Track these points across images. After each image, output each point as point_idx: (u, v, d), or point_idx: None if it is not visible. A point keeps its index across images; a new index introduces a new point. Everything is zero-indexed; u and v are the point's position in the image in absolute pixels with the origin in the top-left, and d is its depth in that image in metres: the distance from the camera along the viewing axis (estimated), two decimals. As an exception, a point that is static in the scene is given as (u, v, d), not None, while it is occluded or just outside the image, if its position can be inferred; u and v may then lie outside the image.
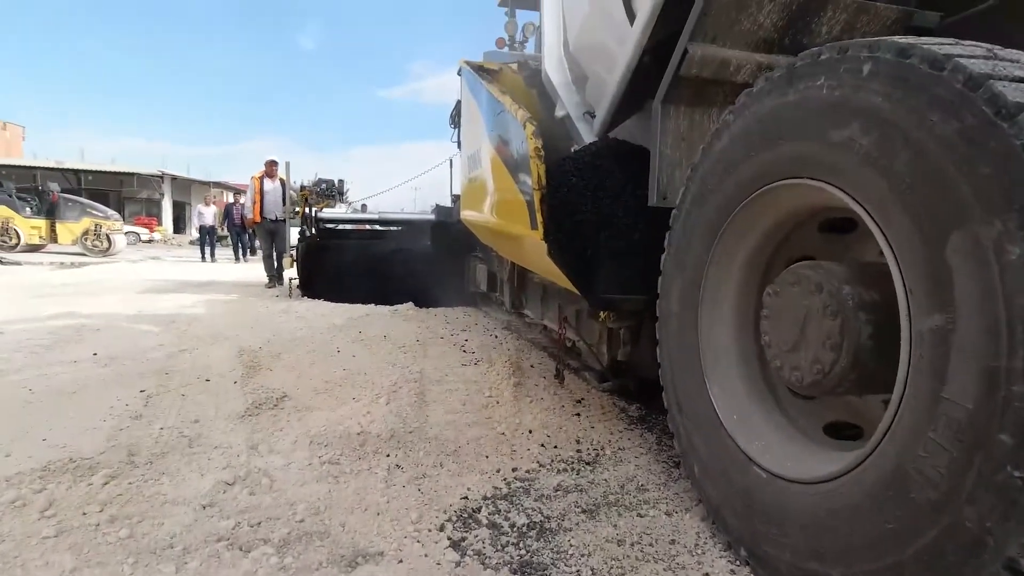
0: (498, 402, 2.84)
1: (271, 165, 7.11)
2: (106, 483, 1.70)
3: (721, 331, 1.39)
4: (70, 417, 2.29)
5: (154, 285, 7.54)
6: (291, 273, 6.64)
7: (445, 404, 2.78)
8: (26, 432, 2.12)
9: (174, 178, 28.30)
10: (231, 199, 15.71)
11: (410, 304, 5.71)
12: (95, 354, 3.38)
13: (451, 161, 7.09)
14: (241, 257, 14.29)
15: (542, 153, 1.85)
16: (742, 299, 1.39)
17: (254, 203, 7.28)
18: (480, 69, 2.83)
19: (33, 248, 14.53)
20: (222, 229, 16.84)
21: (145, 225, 26.69)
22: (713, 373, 1.39)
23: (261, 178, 7.31)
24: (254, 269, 9.14)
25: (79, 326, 4.23)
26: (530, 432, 2.44)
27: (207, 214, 14.94)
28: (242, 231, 14.33)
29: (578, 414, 2.71)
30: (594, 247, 1.83)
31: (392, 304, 5.90)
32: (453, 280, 6.12)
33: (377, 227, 7.39)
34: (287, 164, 6.47)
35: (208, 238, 14.63)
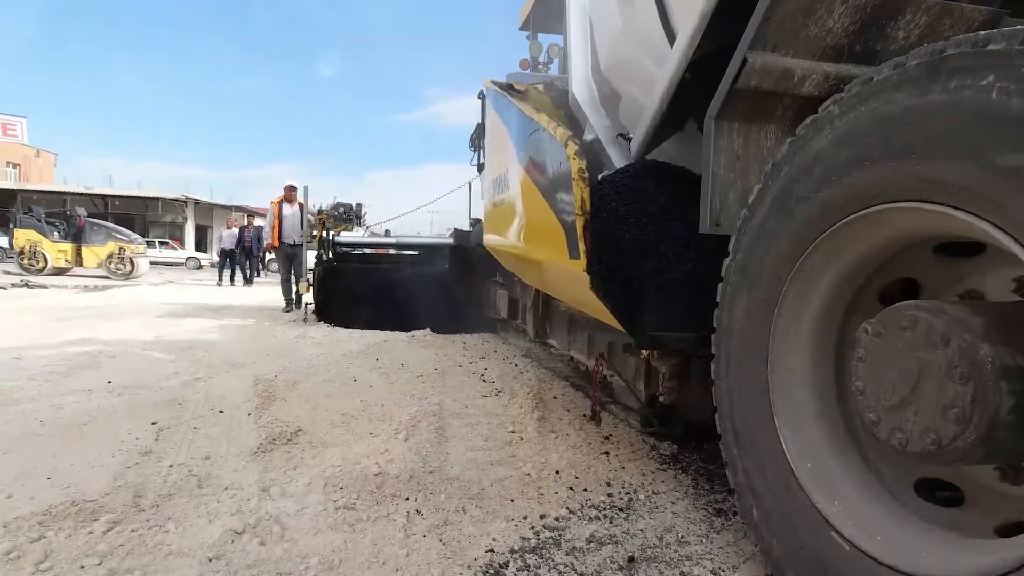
0: (522, 438, 2.69)
1: (290, 190, 7.14)
2: (108, 530, 1.59)
3: (797, 360, 1.21)
4: (78, 453, 2.20)
5: (173, 309, 7.56)
6: (307, 298, 6.60)
7: (466, 440, 2.64)
8: (32, 469, 2.03)
9: (197, 202, 28.91)
10: (245, 222, 15.68)
11: (427, 331, 5.61)
12: (110, 382, 3.31)
13: (470, 185, 7.08)
14: (244, 281, 14.14)
15: (587, 175, 1.69)
16: (825, 326, 1.21)
17: (273, 228, 7.30)
18: (509, 88, 2.75)
19: (59, 271, 14.81)
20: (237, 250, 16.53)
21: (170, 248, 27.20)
22: (784, 408, 1.21)
23: (280, 203, 7.35)
24: (265, 292, 9.12)
25: (96, 352, 4.19)
26: (557, 473, 2.29)
27: (228, 237, 14.57)
28: (250, 254, 14.32)
29: (606, 452, 2.55)
30: (641, 279, 1.68)
31: (409, 330, 5.81)
32: (471, 306, 6.02)
33: (394, 251, 7.35)
34: (305, 188, 6.48)
35: (228, 261, 14.47)
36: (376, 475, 2.05)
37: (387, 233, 12.00)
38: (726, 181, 1.35)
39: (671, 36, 1.72)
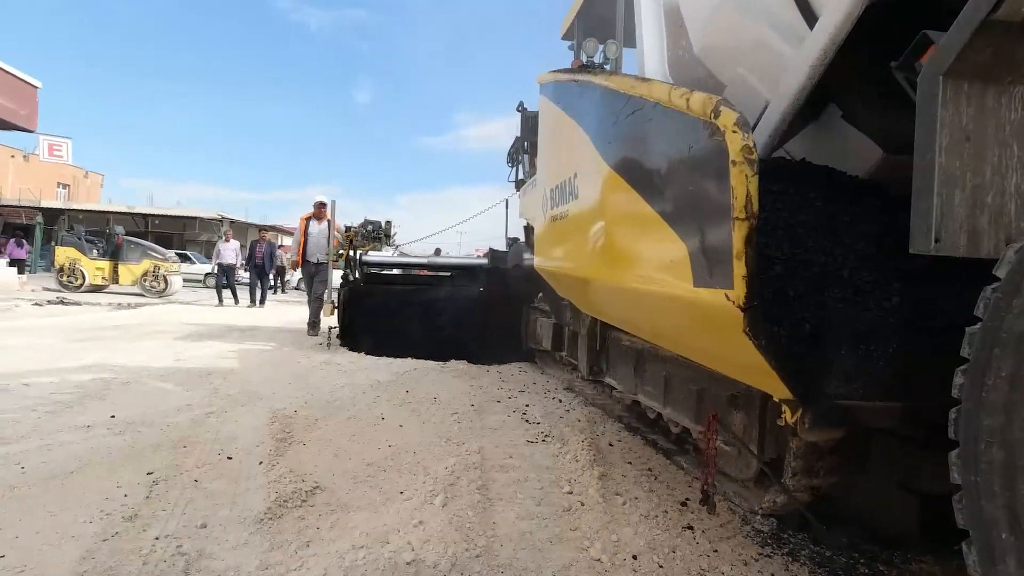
0: (582, 503, 2.21)
1: (319, 207, 6.86)
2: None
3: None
4: (51, 514, 1.82)
5: (198, 330, 7.33)
6: (332, 320, 6.23)
7: (515, 504, 2.18)
8: (-9, 538, 1.65)
9: (232, 221, 29.43)
10: (262, 236, 13.52)
11: (462, 362, 5.20)
12: (113, 416, 2.97)
13: (507, 202, 6.72)
14: (257, 302, 12.28)
15: (754, 156, 1.07)
16: None
17: (298, 244, 7.03)
18: (585, 68, 2.32)
19: (96, 288, 14.98)
20: (243, 269, 14.07)
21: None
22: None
23: (308, 219, 7.10)
24: (288, 312, 8.77)
25: (108, 380, 3.89)
26: (635, 559, 1.81)
27: (226, 251, 12.72)
28: (263, 273, 12.55)
29: (690, 528, 2.05)
30: (822, 320, 1.16)
31: (439, 357, 5.39)
32: (507, 333, 5.58)
33: (425, 272, 6.99)
34: (332, 203, 6.15)
35: (227, 279, 12.71)
36: (409, 564, 1.60)
37: (437, 252, 11.63)
38: (951, 174, 0.88)
39: (806, 11, 1.28)
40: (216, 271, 12.84)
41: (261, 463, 2.40)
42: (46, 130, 28.40)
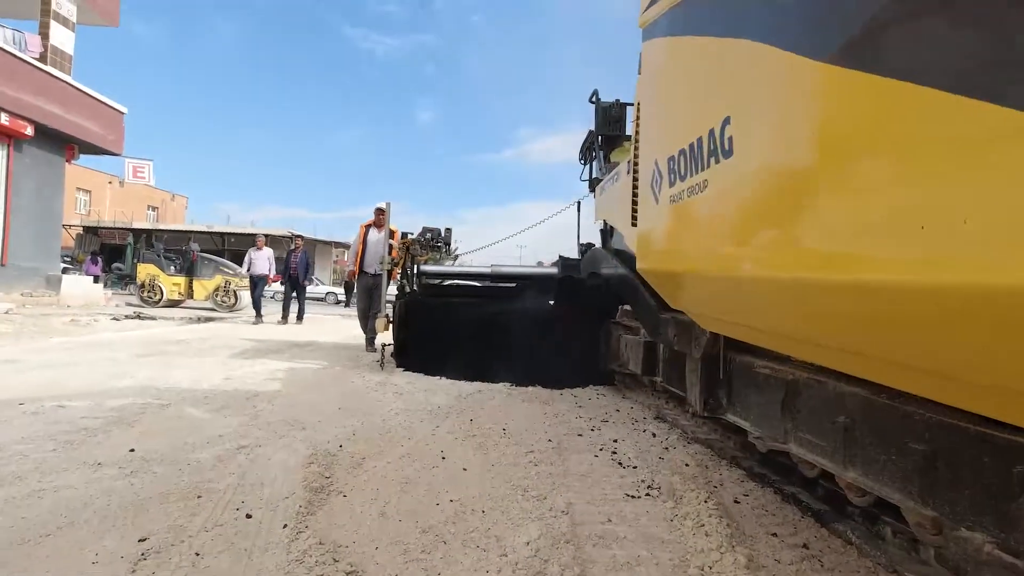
0: (732, 613, 1.50)
1: (379, 213, 6.44)
2: None
3: None
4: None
5: (256, 346, 7.10)
6: (386, 337, 5.73)
7: (632, 612, 1.49)
8: None
9: (301, 238, 30.45)
10: (293, 245, 11.70)
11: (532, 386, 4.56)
12: (132, 451, 2.53)
13: (579, 204, 6.05)
14: (287, 318, 11.07)
15: None
16: None
17: (356, 255, 6.60)
18: None
19: (173, 304, 15.58)
20: (275, 281, 12.60)
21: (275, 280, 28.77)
22: None
23: (368, 227, 6.68)
24: (339, 328, 8.32)
25: (145, 404, 3.52)
26: None
27: (258, 260, 11.28)
28: (298, 285, 11.18)
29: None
30: None
31: (504, 378, 4.76)
32: (582, 351, 4.87)
33: (488, 283, 6.39)
34: (388, 205, 5.56)
35: (258, 291, 11.44)
36: None
37: (538, 263, 10.87)
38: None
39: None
40: (249, 284, 11.64)
41: (286, 526, 1.83)
42: (133, 154, 30.63)
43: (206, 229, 29.88)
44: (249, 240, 31.66)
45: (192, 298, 15.53)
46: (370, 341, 6.54)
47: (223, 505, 1.98)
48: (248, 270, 11.56)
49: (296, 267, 11.13)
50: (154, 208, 39.80)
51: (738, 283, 1.44)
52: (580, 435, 3.28)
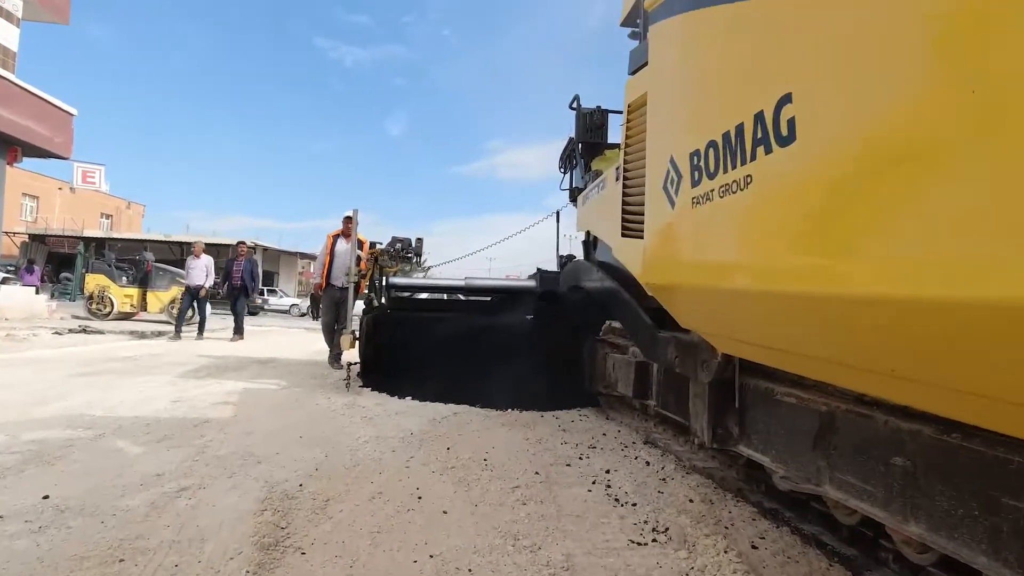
0: None
1: (346, 222, 6.02)
2: None
3: None
4: None
5: (213, 363, 6.60)
6: (352, 354, 5.33)
7: None
8: None
9: (265, 249, 29.56)
10: (240, 250, 10.07)
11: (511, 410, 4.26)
12: (46, 498, 2.13)
13: (558, 214, 5.83)
14: (236, 334, 9.74)
15: None
16: None
17: (323, 266, 6.18)
18: None
19: (125, 316, 14.70)
20: (221, 290, 11.03)
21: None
22: None
23: (335, 236, 6.26)
24: (302, 343, 7.77)
25: (73, 436, 3.09)
26: None
27: (195, 269, 9.96)
28: (243, 295, 9.85)
29: None
30: None
31: (479, 399, 4.45)
32: (563, 371, 4.61)
33: (461, 297, 6.08)
34: (355, 212, 5.06)
35: (196, 303, 10.09)
36: None
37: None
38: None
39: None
40: (184, 294, 10.25)
41: (228, 599, 1.50)
42: (97, 161, 29.19)
43: (163, 238, 28.66)
44: (211, 251, 30.51)
45: (146, 311, 14.68)
46: (335, 357, 6.15)
47: (151, 571, 1.62)
48: (186, 281, 10.26)
49: (239, 276, 9.83)
50: (108, 216, 38.08)
51: (784, 300, 1.20)
52: (568, 465, 3.01)
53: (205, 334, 9.91)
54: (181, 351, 7.80)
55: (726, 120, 1.34)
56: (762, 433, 1.88)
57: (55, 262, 28.81)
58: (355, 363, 5.10)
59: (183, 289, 14.22)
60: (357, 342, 4.91)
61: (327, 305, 6.23)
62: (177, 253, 28.35)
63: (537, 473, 2.80)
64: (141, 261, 14.93)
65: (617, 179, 3.16)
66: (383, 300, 5.24)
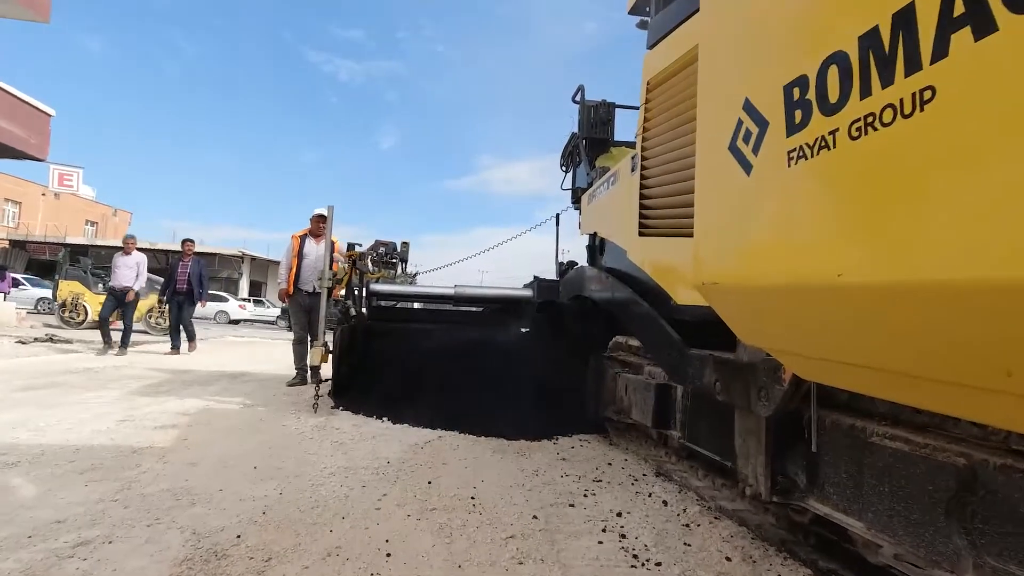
0: None
1: (318, 222, 5.39)
2: None
3: None
4: None
5: (178, 377, 6.06)
6: (326, 369, 4.81)
7: None
8: None
9: (253, 258, 29.01)
10: (186, 249, 8.68)
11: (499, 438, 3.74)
12: None
13: (557, 217, 5.39)
14: (178, 346, 8.50)
15: None
16: None
17: (290, 269, 5.52)
18: None
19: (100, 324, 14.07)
20: (163, 296, 8.90)
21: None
22: None
23: (303, 237, 5.62)
24: (278, 356, 7.12)
25: (-25, 462, 2.56)
26: None
27: (122, 268, 8.19)
28: (189, 303, 8.48)
29: None
30: None
31: (467, 422, 3.94)
32: (562, 390, 4.12)
33: (450, 306, 5.59)
34: (330, 208, 4.32)
35: (120, 308, 8.30)
36: None
37: None
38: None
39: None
40: (107, 296, 8.45)
41: None
42: (79, 165, 28.51)
43: (148, 246, 28.01)
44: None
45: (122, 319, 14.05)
46: (300, 373, 5.60)
47: None
48: (111, 282, 8.36)
49: (185, 280, 8.41)
50: (93, 223, 37.35)
51: (974, 297, 0.74)
52: (572, 505, 2.52)
53: (129, 348, 8.24)
54: (148, 362, 7.24)
55: (877, 9, 0.87)
56: (849, 488, 1.40)
57: (35, 269, 28.00)
58: (325, 380, 4.58)
59: (158, 297, 13.66)
60: (330, 356, 4.38)
61: (296, 313, 5.64)
62: (162, 261, 27.69)
63: (535, 517, 2.31)
64: (118, 268, 14.34)
65: (633, 170, 2.72)
66: (362, 309, 4.73)
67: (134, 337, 11.30)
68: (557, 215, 5.28)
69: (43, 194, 33.11)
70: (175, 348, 8.53)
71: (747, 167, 1.19)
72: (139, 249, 8.67)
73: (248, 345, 12.40)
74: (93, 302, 13.69)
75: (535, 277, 5.08)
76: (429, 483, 2.71)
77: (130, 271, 8.27)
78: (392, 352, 4.48)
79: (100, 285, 13.99)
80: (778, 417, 1.59)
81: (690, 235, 1.84)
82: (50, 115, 13.22)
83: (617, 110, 4.40)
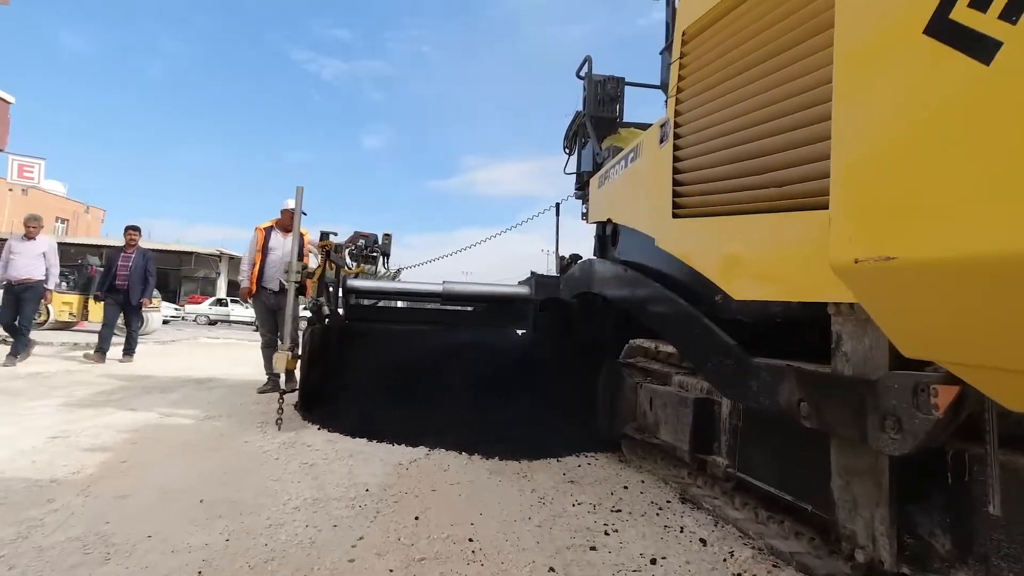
0: None
1: (287, 215, 4.80)
2: None
3: None
4: None
5: (134, 383, 5.47)
6: (293, 375, 4.27)
7: None
8: None
9: (231, 257, 28.13)
10: (129, 239, 7.08)
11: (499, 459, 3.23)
12: None
13: (557, 207, 4.92)
14: (125, 353, 7.20)
15: None
16: None
17: (252, 265, 4.93)
18: None
19: (63, 326, 13.28)
20: (99, 292, 7.61)
21: (197, 302, 26.27)
22: None
23: (268, 229, 5.02)
24: (239, 359, 6.52)
25: None
26: None
27: (20, 257, 6.30)
28: (129, 305, 7.03)
29: None
30: None
31: (459, 439, 3.43)
32: (568, 402, 3.64)
33: (436, 304, 5.09)
34: (299, 190, 3.62)
35: (19, 307, 6.30)
36: None
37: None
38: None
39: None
40: (3, 293, 6.42)
41: None
42: (41, 156, 27.31)
43: (121, 244, 27.03)
44: (173, 258, 28.76)
45: (88, 319, 13.27)
46: (272, 379, 5.05)
47: None
48: (6, 271, 6.28)
49: (126, 276, 6.89)
50: (64, 220, 36.03)
51: None
52: (593, 548, 2.05)
53: (24, 357, 6.33)
54: (105, 367, 6.62)
55: None
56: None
57: None
58: (291, 391, 4.04)
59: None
60: (298, 362, 3.82)
61: (261, 314, 5.05)
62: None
63: (552, 570, 1.83)
64: (84, 266, 13.53)
65: (662, 141, 2.25)
66: (337, 308, 4.20)
67: (95, 339, 10.60)
68: (557, 205, 4.82)
69: (10, 190, 31.81)
70: (102, 353, 6.86)
71: (986, 49, 0.72)
72: (109, 246, 7.75)
73: (223, 347, 11.75)
74: (56, 302, 12.91)
75: (532, 273, 4.60)
76: (416, 519, 2.21)
77: (33, 260, 6.28)
78: (372, 356, 3.96)
79: (64, 284, 13.23)
80: (914, 458, 1.13)
81: (743, 212, 1.38)
82: (9, 102, 12.44)
83: (628, 87, 3.95)
